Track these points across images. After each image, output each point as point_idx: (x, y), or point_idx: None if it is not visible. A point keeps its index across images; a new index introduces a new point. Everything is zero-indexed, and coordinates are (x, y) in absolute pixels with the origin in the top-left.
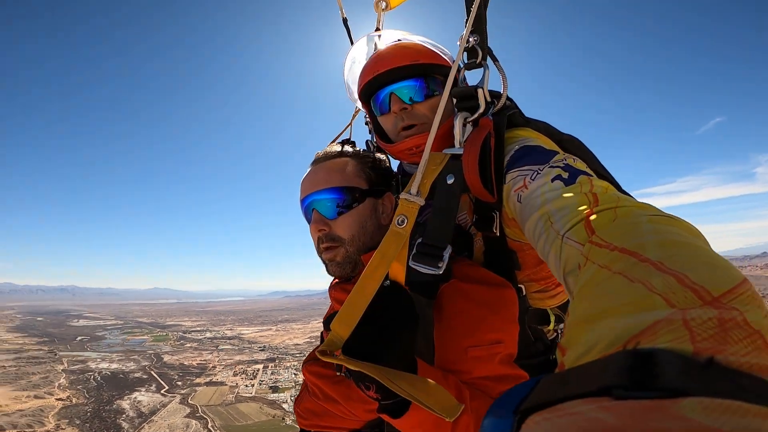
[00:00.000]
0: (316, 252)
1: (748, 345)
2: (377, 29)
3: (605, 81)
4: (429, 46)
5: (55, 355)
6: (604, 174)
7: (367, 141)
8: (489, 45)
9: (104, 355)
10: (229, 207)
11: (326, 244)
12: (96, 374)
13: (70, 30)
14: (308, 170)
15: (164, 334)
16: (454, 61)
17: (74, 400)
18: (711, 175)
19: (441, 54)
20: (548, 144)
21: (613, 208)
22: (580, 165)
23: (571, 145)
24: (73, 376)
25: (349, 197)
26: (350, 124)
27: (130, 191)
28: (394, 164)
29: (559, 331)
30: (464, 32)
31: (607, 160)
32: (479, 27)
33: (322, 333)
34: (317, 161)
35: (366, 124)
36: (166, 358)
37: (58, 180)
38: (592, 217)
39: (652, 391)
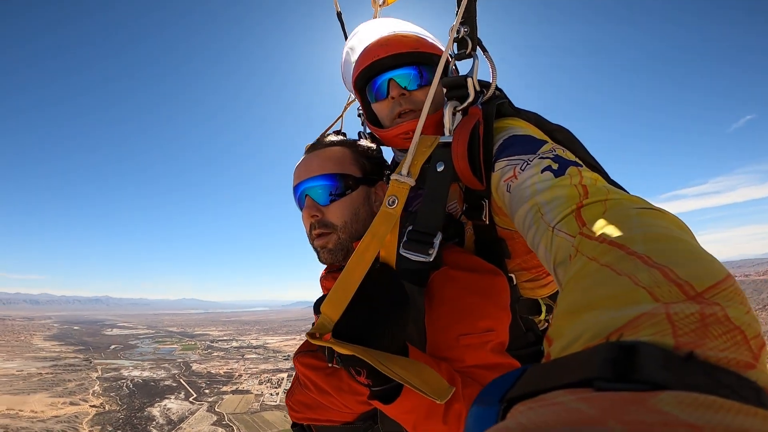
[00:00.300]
0: (308, 240)
1: (727, 340)
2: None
3: (626, 78)
4: (427, 37)
5: (90, 362)
6: (593, 164)
7: (359, 132)
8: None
9: (136, 363)
10: (253, 219)
11: (318, 231)
12: (128, 382)
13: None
14: (302, 158)
15: (193, 343)
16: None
17: (107, 407)
18: (745, 175)
19: (438, 44)
20: (537, 134)
21: (603, 201)
22: (569, 156)
23: (560, 134)
24: (106, 383)
25: (342, 184)
26: (342, 115)
27: (161, 206)
28: (387, 157)
29: (550, 322)
30: (454, 23)
31: (633, 162)
32: (469, 18)
33: (314, 322)
34: (311, 149)
35: (359, 116)
36: (195, 366)
37: (94, 196)
38: (583, 209)
39: (633, 383)
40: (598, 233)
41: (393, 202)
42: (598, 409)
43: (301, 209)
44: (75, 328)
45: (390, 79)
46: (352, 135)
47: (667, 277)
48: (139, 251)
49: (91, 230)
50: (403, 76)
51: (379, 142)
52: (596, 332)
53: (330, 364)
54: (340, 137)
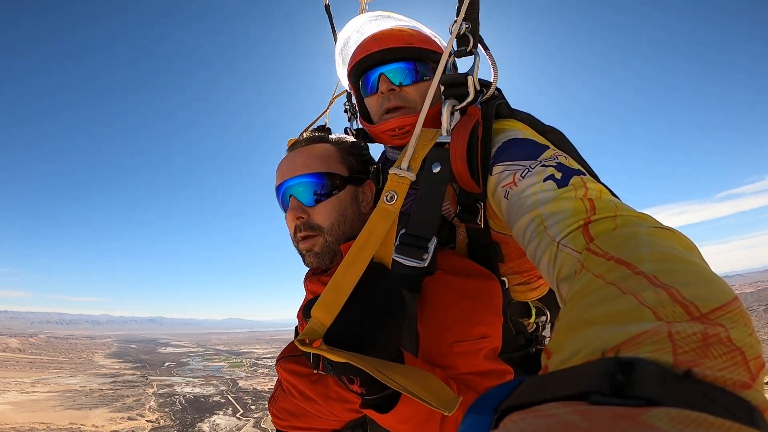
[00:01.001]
0: (292, 242)
1: (727, 360)
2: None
3: (668, 78)
4: (423, 32)
5: (147, 379)
6: (586, 168)
7: (345, 128)
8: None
9: (188, 380)
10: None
11: (304, 233)
12: (181, 398)
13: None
14: (285, 155)
15: (239, 360)
16: (445, 48)
17: (162, 423)
18: None
19: (434, 40)
20: (537, 138)
21: (613, 217)
22: (572, 164)
23: (553, 136)
24: (161, 399)
25: (329, 183)
26: (327, 110)
27: (206, 231)
28: (375, 154)
29: (540, 324)
30: (457, 18)
31: (682, 163)
32: (472, 13)
33: (296, 327)
34: (295, 146)
35: (345, 111)
36: (241, 383)
37: (146, 225)
38: (591, 224)
39: (628, 398)
40: (606, 250)
41: (392, 198)
42: (590, 422)
43: (285, 210)
44: (132, 346)
45: (380, 74)
46: (338, 130)
47: (673, 298)
48: (188, 273)
49: (146, 255)
50: (393, 71)
51: (368, 138)
52: (596, 347)
53: (315, 371)
54: (326, 133)
